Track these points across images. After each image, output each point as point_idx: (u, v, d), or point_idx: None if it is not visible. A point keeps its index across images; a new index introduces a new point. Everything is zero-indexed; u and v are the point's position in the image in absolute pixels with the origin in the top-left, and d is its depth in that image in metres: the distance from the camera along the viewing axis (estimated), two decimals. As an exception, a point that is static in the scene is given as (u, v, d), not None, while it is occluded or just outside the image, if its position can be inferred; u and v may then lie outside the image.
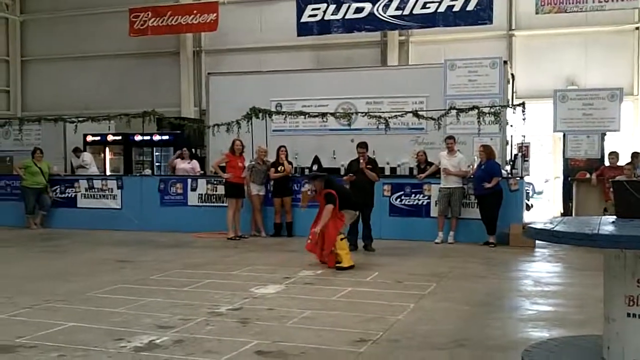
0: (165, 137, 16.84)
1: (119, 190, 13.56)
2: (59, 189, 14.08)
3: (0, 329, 5.38)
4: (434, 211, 11.59)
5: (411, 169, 13.40)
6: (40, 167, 13.81)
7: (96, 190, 13.74)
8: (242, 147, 12.11)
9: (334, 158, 13.90)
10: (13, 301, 6.46)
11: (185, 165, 14.35)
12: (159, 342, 5.00)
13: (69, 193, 14.01)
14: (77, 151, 16.23)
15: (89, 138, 17.15)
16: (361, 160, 10.36)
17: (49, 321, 5.62)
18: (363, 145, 10.48)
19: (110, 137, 17.37)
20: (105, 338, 5.08)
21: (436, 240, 11.26)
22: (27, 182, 13.70)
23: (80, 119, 15.13)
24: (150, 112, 14.11)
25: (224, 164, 12.24)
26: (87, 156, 15.87)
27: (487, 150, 11.14)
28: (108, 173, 16.64)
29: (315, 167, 8.02)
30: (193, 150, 15.86)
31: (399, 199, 11.91)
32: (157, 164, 17.00)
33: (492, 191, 10.86)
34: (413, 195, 11.85)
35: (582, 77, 16.94)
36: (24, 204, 13.74)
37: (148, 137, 16.57)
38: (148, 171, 15.58)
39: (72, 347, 4.80)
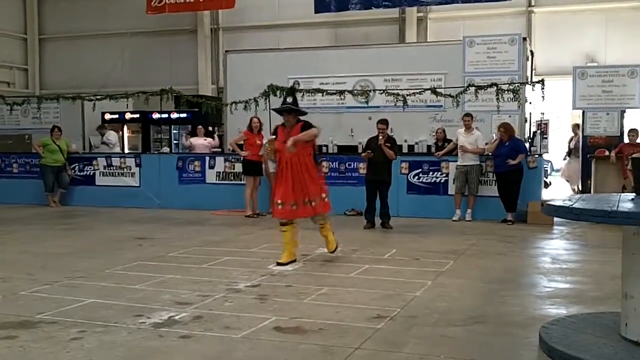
0: (183, 115, 16.88)
1: (137, 168, 13.64)
2: (77, 166, 14.19)
3: (21, 305, 5.46)
4: (452, 189, 11.55)
5: (429, 147, 13.37)
6: (59, 145, 13.91)
7: (114, 168, 13.84)
8: (260, 125, 12.11)
9: (352, 136, 13.90)
10: (34, 278, 6.55)
11: (202, 142, 14.40)
12: (178, 318, 5.06)
13: (87, 171, 14.12)
14: (101, 128, 16.28)
15: (107, 116, 17.22)
16: (380, 137, 10.32)
17: (69, 297, 5.69)
18: (383, 122, 10.42)
19: (128, 115, 17.43)
20: (125, 314, 5.14)
21: (453, 218, 11.24)
22: (46, 160, 13.82)
23: (98, 97, 15.18)
24: (168, 90, 14.14)
25: (242, 142, 12.26)
26: (112, 135, 15.92)
27: (508, 129, 11.06)
28: (126, 151, 16.74)
29: (290, 99, 7.30)
30: (210, 128, 15.90)
31: (416, 177, 11.88)
32: (175, 142, 17.07)
33: (514, 168, 10.81)
34: (431, 172, 11.81)
35: (602, 53, 16.73)
36: (43, 182, 13.87)
37: (166, 115, 16.63)
38: (166, 149, 15.63)
39: (92, 323, 4.87)
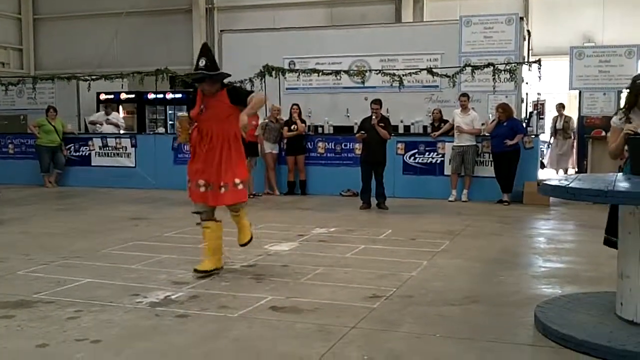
0: (179, 96, 16.79)
1: (133, 149, 13.60)
2: (73, 147, 14.15)
3: (19, 285, 5.46)
4: (448, 169, 11.56)
5: (425, 127, 13.34)
6: (55, 125, 13.85)
7: (110, 148, 13.80)
8: None
9: (348, 116, 13.84)
10: (30, 258, 6.55)
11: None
12: (175, 297, 5.07)
13: (83, 151, 14.07)
14: (107, 107, 16.05)
15: (103, 96, 17.12)
16: (373, 117, 10.30)
17: (66, 277, 5.69)
18: (377, 102, 10.40)
19: (123, 96, 17.34)
20: (122, 294, 5.15)
21: (449, 199, 11.25)
22: (41, 140, 13.76)
23: (93, 77, 15.11)
24: (163, 70, 14.07)
25: None
26: (115, 115, 15.67)
27: (506, 109, 11.04)
28: (122, 131, 16.67)
29: (203, 63, 5.65)
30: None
31: (412, 157, 11.87)
32: (170, 122, 17.00)
33: (512, 149, 10.81)
34: (427, 153, 11.81)
35: (599, 33, 16.67)
36: (39, 162, 13.83)
37: (161, 96, 16.54)
38: (162, 129, 15.57)
39: (88, 303, 4.87)
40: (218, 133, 5.71)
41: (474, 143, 11.31)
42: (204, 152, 5.72)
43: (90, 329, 4.29)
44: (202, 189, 5.76)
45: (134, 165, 13.57)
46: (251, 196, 11.70)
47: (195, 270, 5.71)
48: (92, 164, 13.95)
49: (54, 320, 4.47)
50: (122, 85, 16.91)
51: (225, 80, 5.96)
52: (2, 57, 21.62)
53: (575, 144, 14.35)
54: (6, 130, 15.54)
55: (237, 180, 5.72)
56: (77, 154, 14.09)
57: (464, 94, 11.57)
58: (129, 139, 13.82)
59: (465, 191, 11.31)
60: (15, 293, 5.16)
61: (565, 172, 14.16)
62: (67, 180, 13.96)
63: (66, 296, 5.07)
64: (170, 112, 17.14)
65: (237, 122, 5.64)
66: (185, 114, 6.05)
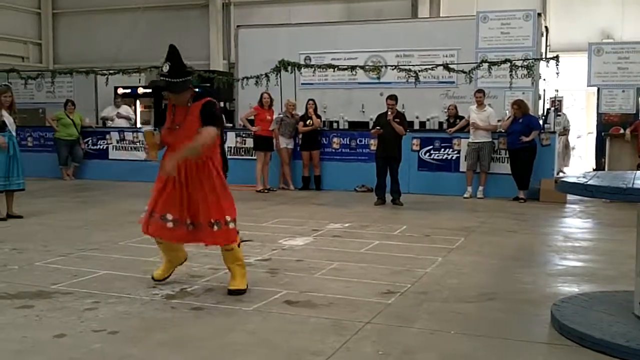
0: (195, 90, 16.80)
1: (150, 143, 13.63)
2: (90, 140, 14.26)
3: (37, 276, 5.52)
4: (463, 166, 11.52)
5: (440, 123, 13.30)
6: (73, 119, 13.96)
7: (127, 142, 13.89)
8: (271, 100, 12.09)
9: (363, 112, 13.84)
10: (48, 249, 6.62)
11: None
12: (190, 290, 5.10)
13: (100, 145, 14.18)
14: (116, 100, 16.19)
15: (120, 90, 17.20)
16: (389, 113, 10.28)
17: (83, 269, 5.75)
18: (392, 98, 10.37)
19: (140, 90, 17.42)
20: (138, 286, 5.19)
21: (465, 195, 11.22)
22: (59, 133, 13.88)
23: (111, 71, 15.20)
24: (179, 65, 14.07)
25: (252, 117, 12.25)
26: (125, 109, 15.79)
27: (521, 106, 10.99)
28: (139, 125, 16.76)
29: (166, 68, 4.86)
30: (222, 103, 15.86)
31: (428, 154, 11.85)
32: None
33: (528, 145, 10.75)
34: (442, 149, 11.77)
35: (618, 30, 16.48)
36: (57, 155, 13.96)
37: (178, 90, 16.56)
38: (178, 124, 15.59)
39: (106, 294, 4.92)
40: (194, 162, 4.82)
41: (490, 139, 11.26)
42: (178, 187, 4.87)
43: (107, 320, 4.33)
44: (170, 225, 4.86)
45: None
46: (266, 191, 11.77)
47: (153, 278, 5.22)
48: (110, 158, 14.06)
49: (72, 311, 4.52)
50: (140, 79, 16.99)
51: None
52: (22, 52, 21.75)
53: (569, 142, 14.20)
54: (25, 124, 15.65)
55: (228, 218, 4.88)
56: (95, 147, 14.20)
57: (480, 90, 11.52)
58: (145, 133, 13.84)
59: (480, 188, 11.27)
60: (34, 283, 5.22)
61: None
62: (84, 173, 14.07)
63: (84, 287, 5.12)
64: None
65: (217, 146, 4.90)
66: (149, 127, 5.25)
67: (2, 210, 8.56)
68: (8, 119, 8.48)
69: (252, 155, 12.47)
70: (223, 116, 5.25)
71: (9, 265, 5.89)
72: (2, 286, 5.14)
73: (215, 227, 4.83)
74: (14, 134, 8.60)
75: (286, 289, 5.12)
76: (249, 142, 12.64)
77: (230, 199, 4.99)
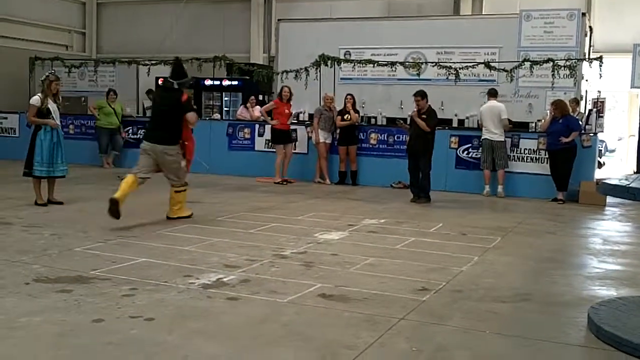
0: (235, 83, 16.94)
1: (189, 134, 13.77)
2: (131, 130, 14.46)
3: (76, 261, 5.64)
4: (495, 164, 11.40)
5: (479, 122, 13.16)
6: (114, 107, 14.18)
7: (166, 132, 14.00)
8: (290, 94, 12.17)
9: (401, 108, 13.75)
10: (88, 235, 6.75)
11: (251, 113, 14.46)
12: (226, 280, 5.16)
13: (140, 134, 14.34)
14: (150, 93, 16.49)
15: (161, 81, 17.38)
16: (414, 109, 10.23)
17: (122, 256, 5.85)
18: (418, 94, 10.16)
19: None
20: (175, 274, 5.26)
21: (483, 193, 11.10)
22: (101, 122, 14.11)
23: (153, 62, 15.40)
24: (220, 57, 14.26)
25: (271, 110, 12.32)
26: None
27: (559, 106, 10.80)
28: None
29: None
30: (260, 96, 15.95)
31: (465, 152, 11.75)
32: (225, 108, 17.17)
33: (568, 146, 10.57)
34: (480, 148, 11.65)
35: (665, 31, 16.12)
36: (97, 143, 14.19)
37: (218, 82, 16.72)
38: (217, 115, 15.76)
39: (143, 282, 5.00)
40: None
41: (503, 139, 11.10)
42: None
43: (144, 306, 4.41)
44: None
45: (189, 150, 13.73)
46: (284, 182, 11.87)
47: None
48: (149, 147, 14.19)
49: (110, 296, 4.61)
50: (181, 71, 17.13)
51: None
52: (66, 40, 22.12)
53: None
54: (67, 111, 15.94)
55: None
56: (135, 136, 14.38)
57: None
58: (184, 124, 13.98)
59: (500, 186, 11.09)
60: (73, 269, 5.33)
61: None
62: (124, 162, 14.25)
63: (122, 274, 5.21)
64: (226, 98, 17.31)
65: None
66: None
67: (43, 196, 8.73)
68: (52, 106, 8.66)
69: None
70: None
71: (49, 250, 6.02)
72: (42, 270, 5.26)
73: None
74: (58, 121, 8.76)
75: (321, 283, 5.14)
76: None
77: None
